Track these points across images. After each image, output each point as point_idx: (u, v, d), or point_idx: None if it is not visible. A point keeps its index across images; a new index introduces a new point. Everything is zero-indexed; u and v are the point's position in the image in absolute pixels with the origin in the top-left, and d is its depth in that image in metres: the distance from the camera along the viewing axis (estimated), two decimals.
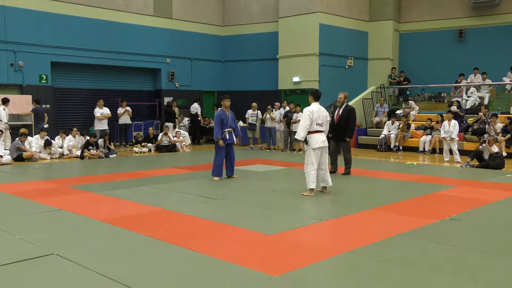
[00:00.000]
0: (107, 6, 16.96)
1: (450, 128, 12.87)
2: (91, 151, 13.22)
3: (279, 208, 6.76)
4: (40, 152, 13.00)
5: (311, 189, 7.54)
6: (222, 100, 9.46)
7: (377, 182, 9.13)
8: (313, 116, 7.51)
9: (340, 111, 9.91)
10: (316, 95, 7.75)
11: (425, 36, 19.09)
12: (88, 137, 13.63)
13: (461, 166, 11.37)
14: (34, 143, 12.93)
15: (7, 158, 12.03)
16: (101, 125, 15.06)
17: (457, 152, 12.43)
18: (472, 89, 16.42)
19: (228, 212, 6.79)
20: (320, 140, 7.54)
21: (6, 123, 13.18)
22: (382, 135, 15.35)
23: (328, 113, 7.98)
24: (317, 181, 7.61)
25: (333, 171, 10.09)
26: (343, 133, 9.85)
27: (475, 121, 14.37)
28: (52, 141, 13.43)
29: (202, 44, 19.84)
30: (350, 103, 17.46)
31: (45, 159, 12.95)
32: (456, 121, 13.08)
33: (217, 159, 9.37)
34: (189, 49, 19.40)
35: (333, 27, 18.19)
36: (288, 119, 14.94)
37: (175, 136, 15.73)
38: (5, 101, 13.34)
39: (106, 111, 15.25)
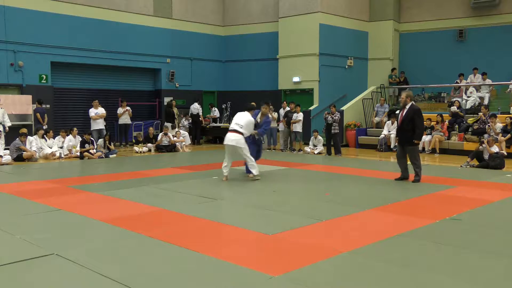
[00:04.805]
0: (107, 6, 16.95)
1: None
2: (86, 146, 13.22)
3: (279, 208, 6.75)
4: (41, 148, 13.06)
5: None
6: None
7: (377, 182, 9.12)
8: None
9: (404, 112, 9.07)
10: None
11: (425, 36, 19.08)
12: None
13: (461, 166, 11.36)
14: (34, 143, 12.94)
15: (7, 158, 12.03)
16: (97, 125, 15.05)
17: None
18: (471, 89, 16.41)
19: (228, 212, 6.80)
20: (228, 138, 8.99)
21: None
22: (382, 135, 15.35)
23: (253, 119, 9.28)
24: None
25: (403, 177, 9.27)
26: (409, 136, 8.97)
27: (475, 121, 14.36)
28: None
29: (202, 44, 19.83)
30: (349, 103, 17.64)
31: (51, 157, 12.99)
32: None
33: None
34: (189, 49, 19.39)
35: (333, 27, 18.18)
36: (288, 119, 14.94)
37: (175, 136, 15.73)
38: None
39: (101, 110, 15.22)
